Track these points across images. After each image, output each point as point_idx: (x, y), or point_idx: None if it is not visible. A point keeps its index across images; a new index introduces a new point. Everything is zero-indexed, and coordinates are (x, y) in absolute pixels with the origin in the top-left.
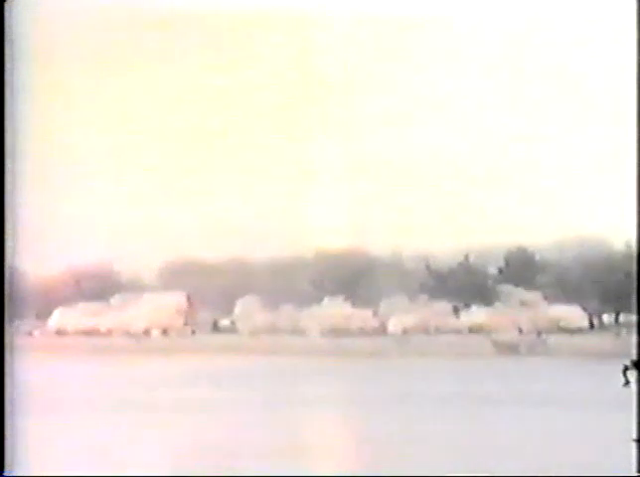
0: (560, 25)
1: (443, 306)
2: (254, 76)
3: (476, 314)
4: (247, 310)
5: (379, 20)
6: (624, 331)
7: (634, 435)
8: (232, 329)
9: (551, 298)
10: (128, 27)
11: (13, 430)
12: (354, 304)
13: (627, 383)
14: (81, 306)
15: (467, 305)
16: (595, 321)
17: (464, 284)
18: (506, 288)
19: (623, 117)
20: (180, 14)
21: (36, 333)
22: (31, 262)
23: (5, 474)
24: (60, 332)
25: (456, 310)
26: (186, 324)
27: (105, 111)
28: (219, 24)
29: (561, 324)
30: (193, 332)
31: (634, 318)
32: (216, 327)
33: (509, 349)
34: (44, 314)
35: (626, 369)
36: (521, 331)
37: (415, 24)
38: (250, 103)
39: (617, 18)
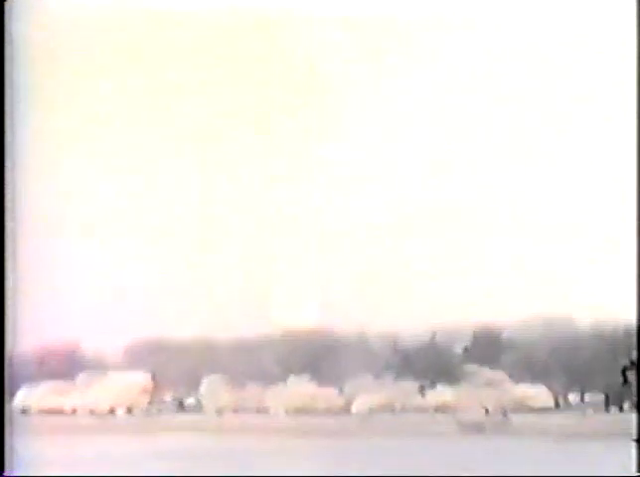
0: (560, 25)
1: (409, 385)
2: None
3: (442, 393)
4: (213, 389)
5: (378, 20)
6: (590, 410)
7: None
8: (197, 408)
9: (516, 377)
10: (128, 27)
11: None
12: (319, 383)
13: (626, 382)
14: (46, 385)
15: (433, 384)
16: (561, 400)
17: (430, 363)
18: (471, 368)
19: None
20: (180, 14)
21: None
22: None
23: (5, 474)
24: (24, 411)
25: (422, 389)
26: (151, 403)
27: (106, 111)
28: (219, 24)
29: (527, 403)
30: (158, 411)
31: (600, 397)
32: (181, 406)
33: (474, 428)
34: (8, 393)
35: (625, 369)
36: (486, 410)
37: (415, 23)
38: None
39: (617, 18)
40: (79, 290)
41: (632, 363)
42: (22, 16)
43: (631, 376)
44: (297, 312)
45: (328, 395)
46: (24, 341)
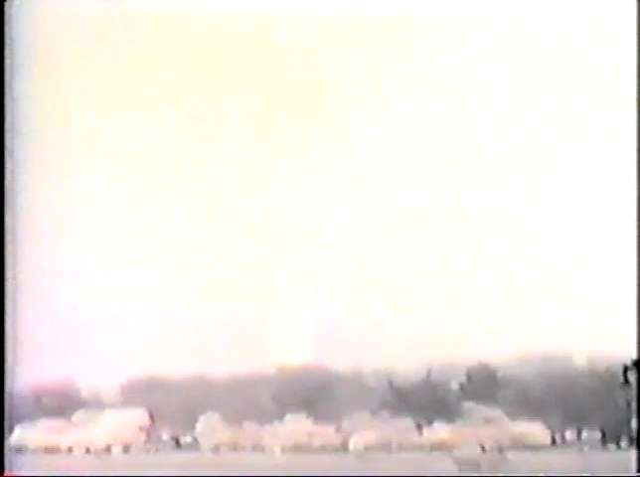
0: (560, 25)
1: (406, 423)
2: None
3: (438, 431)
4: (209, 427)
5: (378, 20)
6: (587, 447)
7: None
8: (193, 446)
9: (513, 414)
10: (129, 27)
11: None
12: (316, 421)
13: (627, 383)
14: (42, 423)
15: (429, 422)
16: (558, 438)
17: (426, 400)
18: (468, 405)
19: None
20: (180, 14)
21: None
22: None
23: (5, 474)
24: (20, 449)
25: (419, 427)
26: (147, 441)
27: (105, 112)
28: (218, 24)
29: (524, 440)
30: (155, 449)
31: (597, 435)
32: (177, 444)
33: (471, 466)
34: (6, 431)
35: (626, 369)
36: (483, 448)
37: (414, 23)
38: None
39: (617, 18)
40: (75, 328)
41: (633, 363)
42: (22, 16)
43: (632, 376)
44: (292, 349)
45: (325, 432)
46: (20, 379)
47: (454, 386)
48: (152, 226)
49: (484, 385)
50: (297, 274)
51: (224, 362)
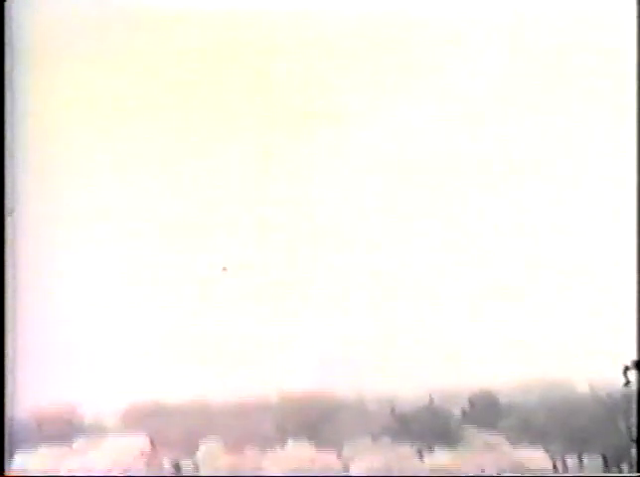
0: (560, 25)
1: (407, 449)
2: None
3: (440, 457)
4: (211, 453)
5: (378, 20)
6: (587, 473)
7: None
8: (194, 472)
9: (514, 441)
10: (129, 27)
11: None
12: (317, 447)
13: (627, 383)
14: (43, 449)
15: (431, 448)
16: (559, 464)
17: (428, 427)
18: (469, 431)
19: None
20: (180, 14)
21: None
22: None
23: (5, 474)
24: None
25: (420, 453)
26: (148, 467)
27: (104, 113)
28: (218, 24)
29: (525, 467)
30: (155, 475)
31: (598, 461)
32: (178, 470)
33: None
34: (6, 458)
35: (627, 369)
36: (484, 474)
37: (415, 23)
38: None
39: (617, 18)
40: (76, 354)
41: (633, 363)
42: (22, 16)
43: (632, 376)
44: (294, 375)
45: (326, 458)
46: (20, 405)
47: (456, 412)
48: (150, 246)
49: (486, 411)
50: (299, 300)
51: (226, 388)
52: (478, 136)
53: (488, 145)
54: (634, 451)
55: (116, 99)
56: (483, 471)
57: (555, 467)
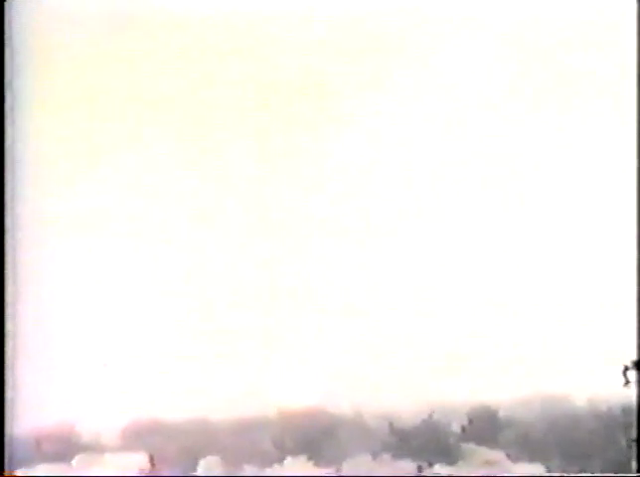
0: (560, 25)
1: (407, 465)
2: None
3: (439, 473)
4: (210, 470)
5: (378, 19)
6: None
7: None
8: None
9: (514, 456)
10: (129, 27)
11: None
12: (317, 463)
13: (627, 383)
14: (42, 468)
15: (430, 464)
16: None
17: (428, 443)
18: (469, 447)
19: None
20: (180, 15)
21: None
22: None
23: (5, 474)
24: None
25: (420, 469)
26: None
27: (105, 113)
28: (218, 24)
29: None
30: None
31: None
32: None
33: None
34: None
35: (626, 369)
36: None
37: (415, 23)
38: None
39: (617, 18)
40: (75, 372)
41: (633, 363)
42: (22, 16)
43: (632, 376)
44: (293, 392)
45: (325, 475)
46: (20, 424)
47: (455, 428)
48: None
49: (485, 426)
50: (299, 318)
51: (225, 405)
52: (478, 136)
53: (488, 145)
54: (634, 464)
55: (117, 99)
56: None
57: None
